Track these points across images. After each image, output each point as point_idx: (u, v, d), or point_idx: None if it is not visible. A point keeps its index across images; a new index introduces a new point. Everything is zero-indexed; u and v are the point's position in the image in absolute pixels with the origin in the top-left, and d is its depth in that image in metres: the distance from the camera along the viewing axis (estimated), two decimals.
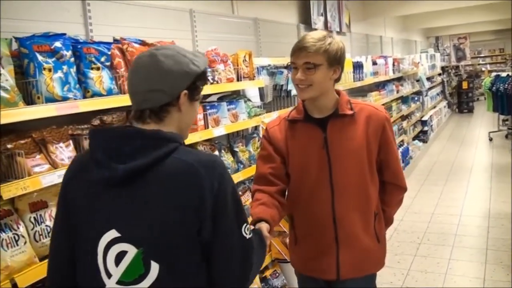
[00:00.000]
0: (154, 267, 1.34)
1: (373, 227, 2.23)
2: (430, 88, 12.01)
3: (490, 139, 10.95)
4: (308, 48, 2.03)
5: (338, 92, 2.22)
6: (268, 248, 3.83)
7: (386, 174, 2.25)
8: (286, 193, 2.26)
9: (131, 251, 1.35)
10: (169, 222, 1.34)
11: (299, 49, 2.06)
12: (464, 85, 16.80)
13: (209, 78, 3.23)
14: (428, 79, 11.84)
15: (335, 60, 2.07)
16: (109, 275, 1.36)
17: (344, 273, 2.19)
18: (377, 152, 2.18)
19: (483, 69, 22.96)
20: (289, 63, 2.15)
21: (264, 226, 1.92)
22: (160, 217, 1.35)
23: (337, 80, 2.16)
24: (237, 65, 3.61)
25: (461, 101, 16.95)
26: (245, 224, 1.46)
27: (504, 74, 11.01)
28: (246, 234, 1.45)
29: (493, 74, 11.82)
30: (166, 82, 1.41)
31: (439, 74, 14.49)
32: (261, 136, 3.92)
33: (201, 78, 1.49)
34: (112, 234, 1.36)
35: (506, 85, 10.34)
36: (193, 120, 1.58)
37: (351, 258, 2.18)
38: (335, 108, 2.15)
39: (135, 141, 1.37)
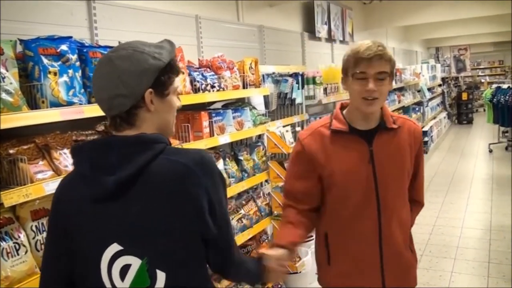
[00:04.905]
0: (161, 276, 1.30)
1: (410, 242, 2.19)
2: (430, 99, 12.02)
3: (490, 151, 10.93)
4: (384, 56, 1.89)
5: None
6: None
7: (414, 189, 2.17)
8: (322, 209, 2.12)
9: (135, 263, 1.30)
10: (170, 227, 1.30)
11: (371, 57, 1.88)
12: (464, 96, 16.83)
13: (215, 84, 3.18)
14: (429, 89, 11.86)
15: (394, 68, 2.00)
16: None
17: None
18: (413, 166, 2.12)
19: (482, 80, 23.01)
20: (348, 75, 1.98)
21: (273, 257, 1.76)
22: (161, 223, 1.30)
23: None
24: (243, 72, 3.56)
25: (461, 112, 16.98)
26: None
27: (505, 86, 11.01)
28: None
29: (494, 85, 11.82)
30: (124, 85, 1.32)
31: (439, 85, 14.51)
32: (265, 144, 3.87)
33: (167, 71, 1.38)
34: (115, 248, 1.31)
35: (507, 97, 10.35)
36: (173, 116, 1.47)
37: (396, 276, 2.09)
38: (380, 120, 2.05)
39: (120, 150, 1.31)
